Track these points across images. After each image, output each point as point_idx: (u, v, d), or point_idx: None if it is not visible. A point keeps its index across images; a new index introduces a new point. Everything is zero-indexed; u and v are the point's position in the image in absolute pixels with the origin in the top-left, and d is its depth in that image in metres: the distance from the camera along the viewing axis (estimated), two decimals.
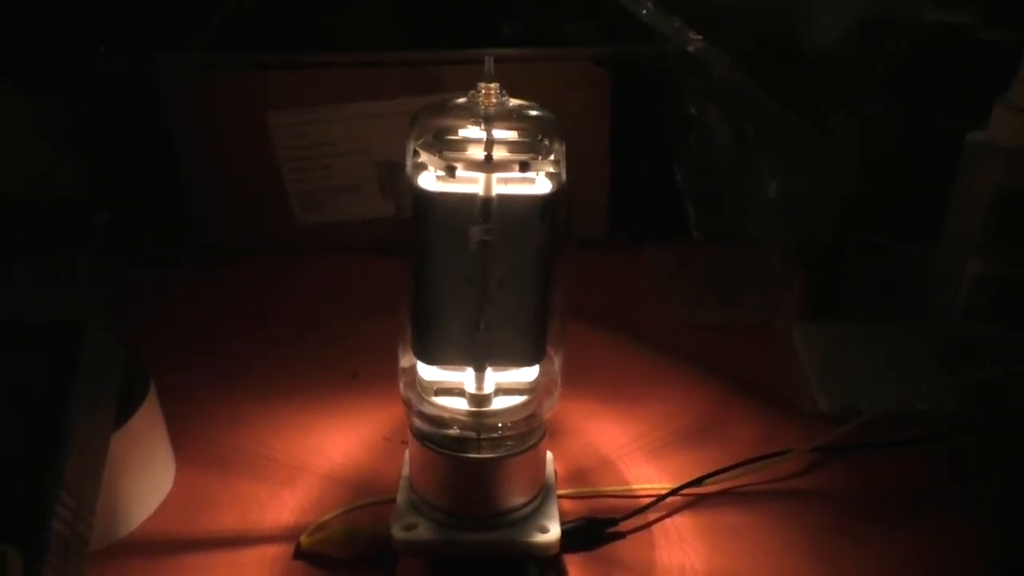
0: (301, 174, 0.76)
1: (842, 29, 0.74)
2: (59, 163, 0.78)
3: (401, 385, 0.46)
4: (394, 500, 0.47)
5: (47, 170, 0.77)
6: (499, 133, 0.41)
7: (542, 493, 0.47)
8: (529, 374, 0.45)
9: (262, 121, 0.74)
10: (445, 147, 0.41)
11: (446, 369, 0.45)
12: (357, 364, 0.64)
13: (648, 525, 0.50)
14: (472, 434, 0.44)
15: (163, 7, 0.78)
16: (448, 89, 0.72)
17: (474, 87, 0.41)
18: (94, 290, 0.71)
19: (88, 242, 0.78)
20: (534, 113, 0.42)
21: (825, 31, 0.74)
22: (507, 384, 0.45)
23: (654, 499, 0.51)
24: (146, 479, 0.51)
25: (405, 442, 0.52)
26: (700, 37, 0.66)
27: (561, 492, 0.51)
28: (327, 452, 0.56)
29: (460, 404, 0.44)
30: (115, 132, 0.78)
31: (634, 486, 0.53)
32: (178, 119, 0.75)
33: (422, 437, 0.45)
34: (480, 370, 0.44)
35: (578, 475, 0.54)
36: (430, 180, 0.41)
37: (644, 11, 0.65)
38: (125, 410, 0.49)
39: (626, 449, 0.56)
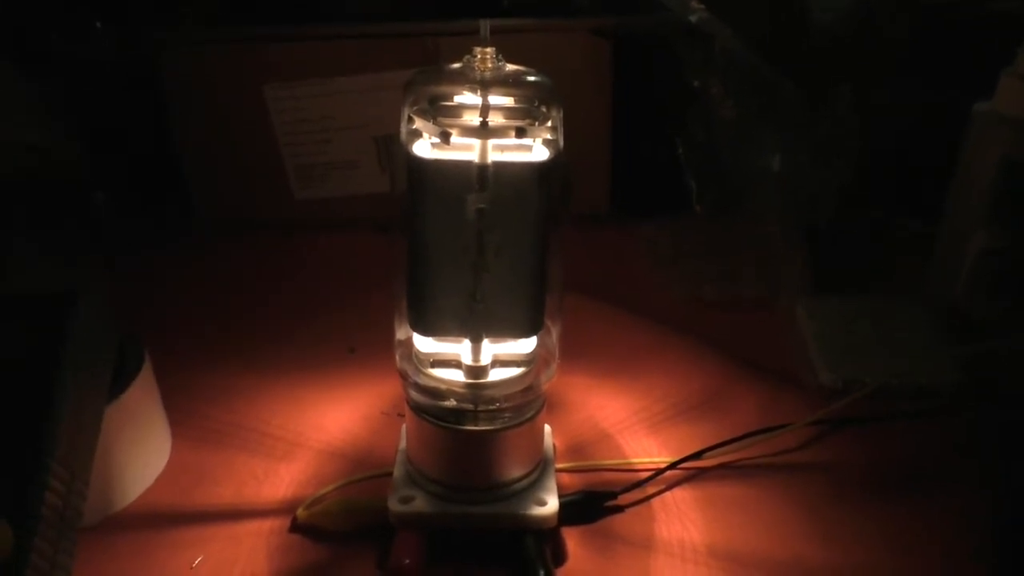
0: (299, 148, 0.76)
1: (848, 3, 0.73)
2: (57, 139, 0.78)
3: (397, 357, 0.45)
4: (391, 473, 0.46)
5: (45, 146, 0.77)
6: (495, 99, 0.40)
7: (540, 466, 0.47)
8: (526, 346, 0.44)
9: (260, 95, 0.73)
10: (440, 113, 0.40)
11: (442, 340, 0.44)
12: (355, 339, 0.63)
13: (647, 499, 0.50)
14: (469, 406, 0.44)
15: None
16: (447, 61, 0.71)
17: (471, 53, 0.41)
18: (92, 265, 0.70)
19: (86, 217, 0.77)
20: (531, 79, 0.41)
21: (831, 5, 0.73)
22: (504, 356, 0.44)
23: (653, 473, 0.51)
24: (141, 453, 0.51)
25: (402, 415, 0.52)
26: (702, 7, 0.65)
27: (560, 466, 0.50)
28: (325, 426, 0.55)
29: (456, 376, 0.44)
30: (113, 107, 0.77)
31: (633, 460, 0.52)
32: (176, 94, 0.74)
33: (418, 409, 0.44)
34: (476, 341, 0.43)
35: (577, 449, 0.54)
36: (425, 147, 0.40)
37: None
38: (120, 383, 0.49)
39: (626, 423, 0.56)
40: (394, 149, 0.50)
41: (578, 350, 0.60)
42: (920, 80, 0.73)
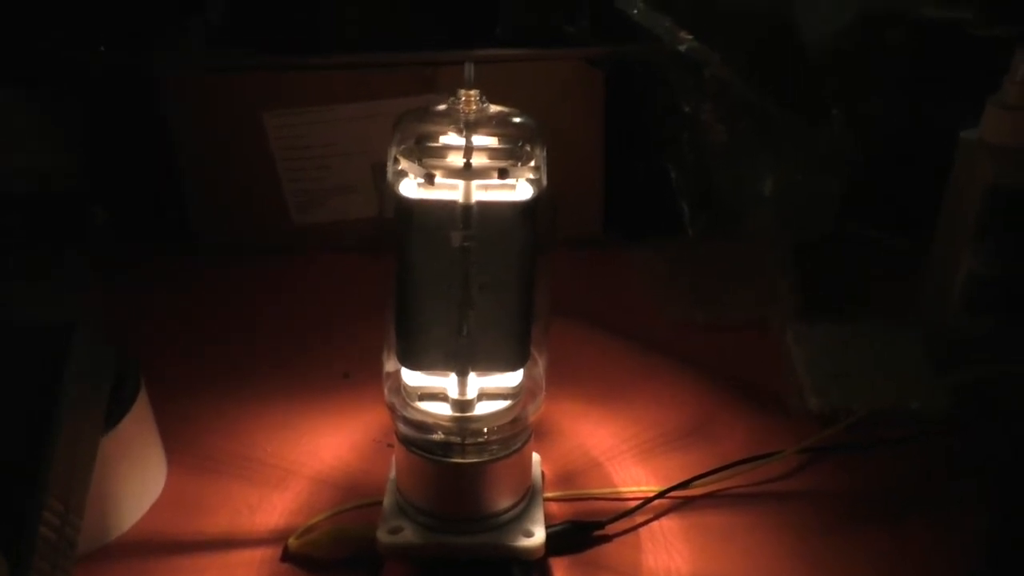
0: (298, 174, 0.77)
1: (839, 24, 0.74)
2: (57, 160, 0.79)
3: (385, 390, 0.46)
4: (382, 502, 0.47)
5: (46, 167, 0.78)
6: (480, 139, 0.41)
7: (528, 496, 0.47)
8: (513, 379, 0.45)
9: (260, 121, 0.74)
10: (425, 154, 0.41)
11: (429, 374, 0.45)
12: (349, 364, 0.64)
13: (634, 528, 0.50)
14: (456, 439, 0.44)
15: (162, 6, 0.78)
16: (444, 90, 0.72)
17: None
18: (89, 288, 0.71)
19: (85, 240, 0.78)
20: (515, 120, 0.42)
21: (822, 26, 0.74)
22: (491, 389, 0.45)
23: (641, 501, 0.51)
24: (137, 481, 0.51)
25: (391, 445, 0.53)
26: (691, 37, 0.66)
27: (548, 495, 0.51)
28: (318, 454, 0.56)
29: (444, 409, 0.45)
30: (114, 130, 0.78)
31: (621, 488, 0.53)
32: (176, 118, 0.75)
33: (407, 442, 0.45)
34: (463, 375, 0.44)
35: (566, 477, 0.54)
36: (411, 187, 0.41)
37: (635, 11, 0.65)
38: (116, 412, 0.49)
39: (615, 451, 0.56)
40: (381, 179, 0.50)
41: (569, 375, 0.61)
42: (913, 99, 0.73)
